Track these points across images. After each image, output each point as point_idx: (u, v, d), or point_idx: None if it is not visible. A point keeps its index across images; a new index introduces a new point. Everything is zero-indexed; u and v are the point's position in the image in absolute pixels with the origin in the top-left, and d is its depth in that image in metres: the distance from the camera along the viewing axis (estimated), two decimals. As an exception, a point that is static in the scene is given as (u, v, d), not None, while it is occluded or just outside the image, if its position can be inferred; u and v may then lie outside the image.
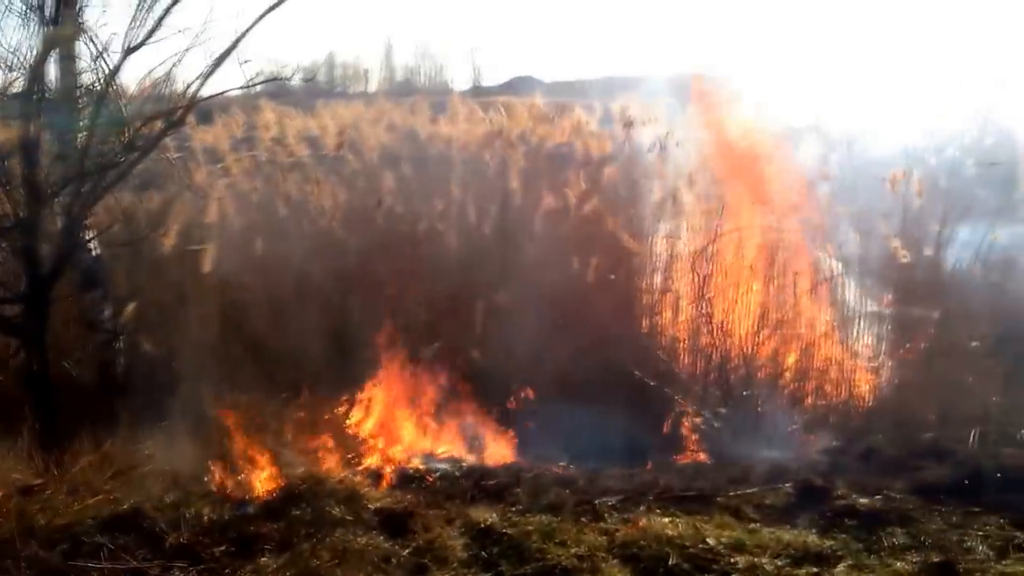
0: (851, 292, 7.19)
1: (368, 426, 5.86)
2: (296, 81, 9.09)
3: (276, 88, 8.90)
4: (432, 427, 6.05)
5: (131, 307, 6.76)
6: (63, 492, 4.69)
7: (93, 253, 6.61)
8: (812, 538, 4.18)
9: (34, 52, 5.45)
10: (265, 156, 9.03)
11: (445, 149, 9.64)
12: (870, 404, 6.83)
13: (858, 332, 7.17)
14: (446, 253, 8.21)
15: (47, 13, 5.46)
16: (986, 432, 5.72)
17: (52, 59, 5.70)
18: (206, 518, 4.37)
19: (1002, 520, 4.38)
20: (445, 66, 57.21)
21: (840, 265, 7.16)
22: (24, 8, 5.52)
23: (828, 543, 4.12)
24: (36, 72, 5.41)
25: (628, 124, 9.68)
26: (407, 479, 5.27)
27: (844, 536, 4.24)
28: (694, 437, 6.42)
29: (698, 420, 6.44)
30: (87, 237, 6.40)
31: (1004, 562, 3.92)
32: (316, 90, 16.51)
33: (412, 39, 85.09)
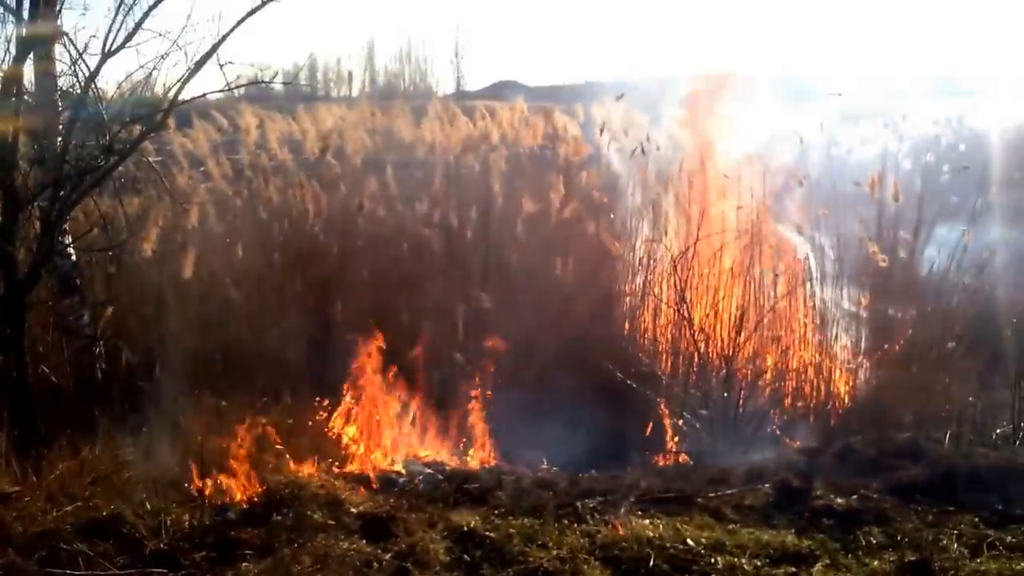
0: (829, 294, 7.23)
1: (350, 430, 5.82)
2: (277, 84, 9.09)
3: (258, 91, 8.89)
4: (414, 431, 6.02)
5: (109, 311, 6.69)
6: (40, 499, 4.62)
7: (71, 258, 6.56)
8: (790, 538, 4.19)
9: (11, 54, 5.41)
10: (247, 160, 9.00)
11: (428, 153, 9.66)
12: (848, 405, 6.85)
13: (836, 334, 7.18)
14: (428, 256, 8.21)
15: (24, 15, 5.41)
16: (961, 432, 5.77)
17: (29, 61, 5.65)
18: (186, 524, 4.33)
19: (976, 519, 4.42)
20: (428, 70, 57.19)
21: (818, 267, 7.20)
22: (0, 10, 5.48)
23: (806, 543, 4.15)
24: (12, 75, 5.36)
25: (610, 129, 9.75)
26: (389, 483, 5.24)
27: (822, 536, 4.26)
28: (675, 439, 6.43)
29: (679, 422, 6.44)
30: (65, 242, 6.35)
31: (977, 560, 3.96)
32: (298, 93, 16.45)
33: (395, 42, 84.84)
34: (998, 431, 6.00)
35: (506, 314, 7.38)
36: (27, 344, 5.66)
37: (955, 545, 4.10)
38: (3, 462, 5.07)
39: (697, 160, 7.82)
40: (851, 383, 6.96)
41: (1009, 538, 4.16)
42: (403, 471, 5.47)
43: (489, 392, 6.31)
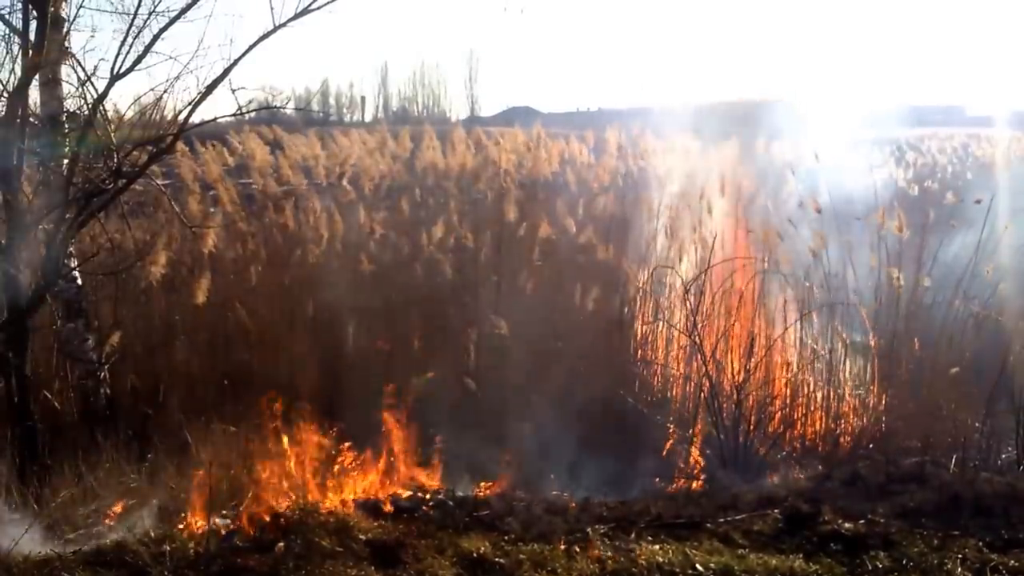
0: (837, 322, 7.20)
1: (360, 456, 5.70)
2: (289, 109, 9.08)
3: (270, 115, 8.86)
4: (425, 457, 5.91)
5: (115, 336, 6.60)
6: (43, 528, 4.53)
7: (77, 282, 6.48)
8: (798, 563, 4.23)
9: (16, 75, 5.37)
10: (259, 184, 8.97)
11: (442, 179, 9.66)
12: (856, 431, 6.86)
13: (844, 361, 7.16)
14: (441, 281, 8.15)
15: (31, 37, 5.37)
16: (966, 457, 5.83)
17: (35, 84, 5.60)
18: (192, 551, 4.24)
19: (979, 543, 4.43)
20: (442, 94, 57.43)
21: (827, 296, 7.15)
22: (6, 32, 5.45)
23: (813, 567, 4.19)
24: (18, 97, 5.31)
25: (623, 155, 9.75)
26: (399, 509, 5.11)
27: (829, 560, 4.28)
28: (685, 465, 6.37)
29: (690, 448, 6.38)
30: (70, 265, 6.27)
31: (981, 583, 4.02)
32: (310, 118, 16.48)
33: (408, 66, 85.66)
34: (1003, 456, 6.10)
35: (518, 340, 7.30)
36: (30, 369, 5.56)
37: (959, 569, 4.15)
38: (4, 490, 4.96)
39: (710, 187, 7.79)
40: (859, 410, 6.97)
41: (1012, 562, 4.18)
42: (413, 497, 5.33)
43: (502, 417, 6.23)
